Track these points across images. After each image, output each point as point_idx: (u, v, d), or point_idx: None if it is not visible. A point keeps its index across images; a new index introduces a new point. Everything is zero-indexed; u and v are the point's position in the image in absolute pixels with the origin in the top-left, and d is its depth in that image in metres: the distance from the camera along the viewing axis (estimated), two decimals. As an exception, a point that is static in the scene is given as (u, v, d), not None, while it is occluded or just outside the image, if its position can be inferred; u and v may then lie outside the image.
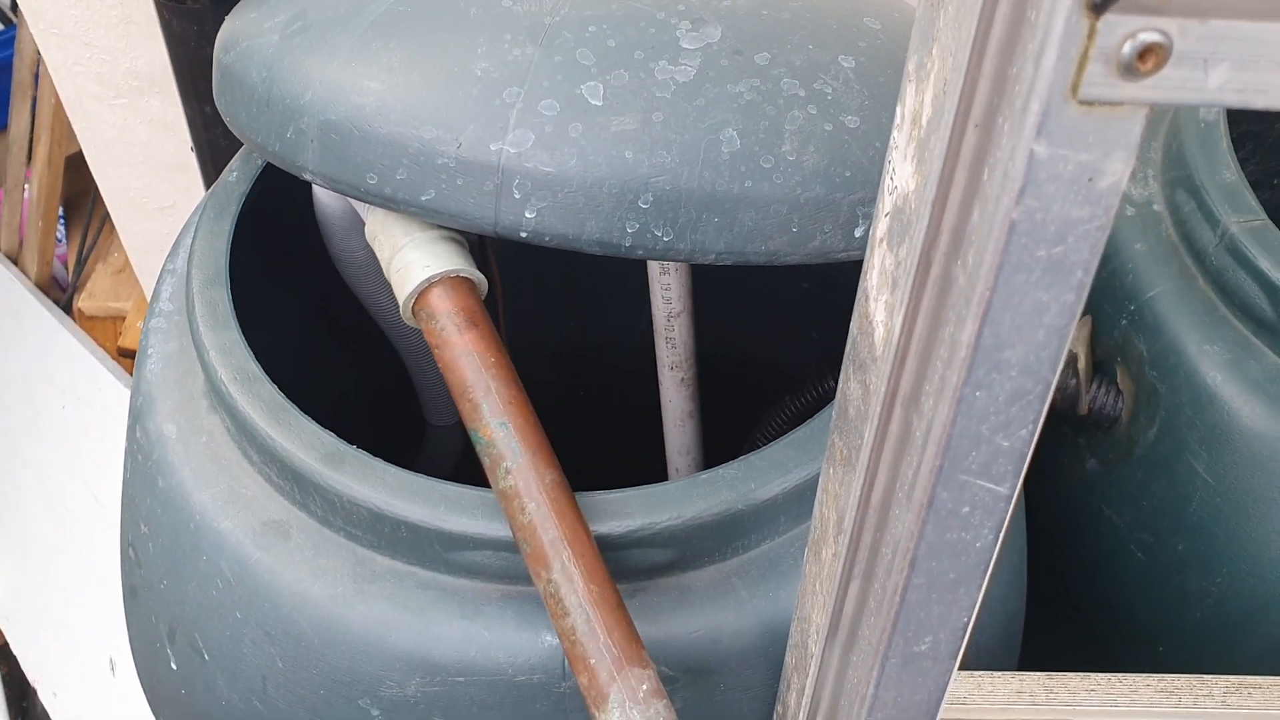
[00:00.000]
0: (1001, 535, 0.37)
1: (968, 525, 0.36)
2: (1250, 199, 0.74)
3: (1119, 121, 0.29)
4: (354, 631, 0.61)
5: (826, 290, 0.99)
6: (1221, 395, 0.73)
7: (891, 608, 0.39)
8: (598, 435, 1.10)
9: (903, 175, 0.38)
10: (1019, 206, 0.30)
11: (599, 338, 1.12)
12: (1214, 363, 0.74)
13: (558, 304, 1.09)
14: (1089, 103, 0.28)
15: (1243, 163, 0.78)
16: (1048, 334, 0.32)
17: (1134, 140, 0.29)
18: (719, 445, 0.94)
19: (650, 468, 0.94)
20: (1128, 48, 0.27)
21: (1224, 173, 0.76)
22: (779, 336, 1.05)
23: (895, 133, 0.38)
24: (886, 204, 0.39)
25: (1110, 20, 0.27)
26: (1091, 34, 0.27)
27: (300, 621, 0.62)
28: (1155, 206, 0.81)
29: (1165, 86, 0.28)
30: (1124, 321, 0.80)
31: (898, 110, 0.38)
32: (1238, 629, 0.74)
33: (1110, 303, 0.81)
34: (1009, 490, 0.35)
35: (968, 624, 0.39)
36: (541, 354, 1.04)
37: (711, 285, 0.89)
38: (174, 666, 0.69)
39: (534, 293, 1.02)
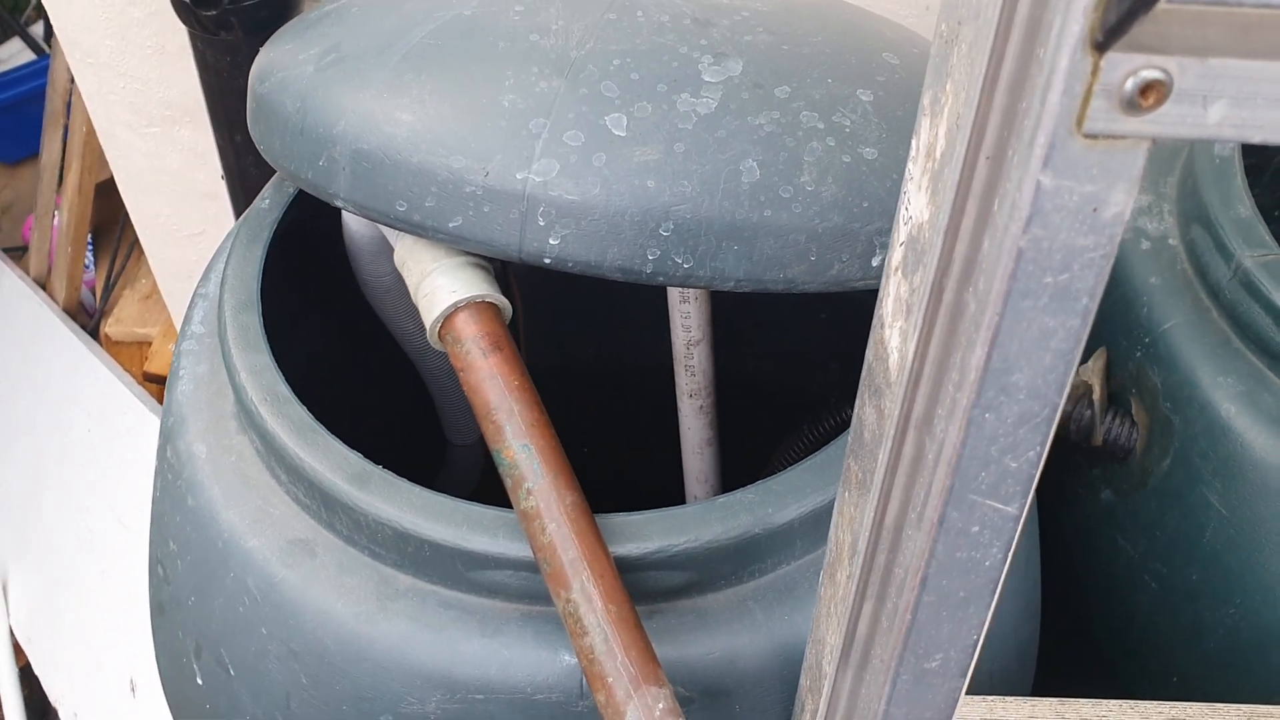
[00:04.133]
0: (1010, 554, 0.38)
1: (977, 544, 0.37)
2: (1264, 234, 0.75)
3: (1122, 154, 0.30)
4: (377, 649, 0.62)
5: (844, 321, 1.00)
6: (1235, 427, 0.74)
7: (903, 625, 0.40)
8: (615, 459, 1.11)
9: (917, 206, 0.39)
10: (1026, 235, 0.31)
11: (618, 362, 1.13)
12: (1227, 395, 0.75)
13: (577, 328, 1.11)
14: (1093, 136, 0.29)
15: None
16: (1054, 358, 0.33)
17: (1136, 172, 0.30)
18: (736, 472, 0.95)
19: (668, 494, 0.95)
20: (1130, 84, 0.28)
21: (1238, 208, 0.77)
22: (797, 366, 1.06)
23: (910, 165, 0.40)
24: (901, 234, 0.40)
25: (1113, 58, 0.28)
26: (1095, 71, 0.28)
27: (324, 638, 0.63)
28: (1171, 241, 0.82)
29: (1165, 121, 0.29)
30: (1139, 354, 0.81)
31: (913, 143, 0.39)
32: (1251, 659, 0.75)
33: (1125, 335, 0.82)
34: (1017, 510, 0.36)
35: (977, 641, 0.40)
36: (560, 377, 1.05)
37: (731, 314, 0.91)
38: (200, 682, 0.70)
39: (554, 317, 1.04)
